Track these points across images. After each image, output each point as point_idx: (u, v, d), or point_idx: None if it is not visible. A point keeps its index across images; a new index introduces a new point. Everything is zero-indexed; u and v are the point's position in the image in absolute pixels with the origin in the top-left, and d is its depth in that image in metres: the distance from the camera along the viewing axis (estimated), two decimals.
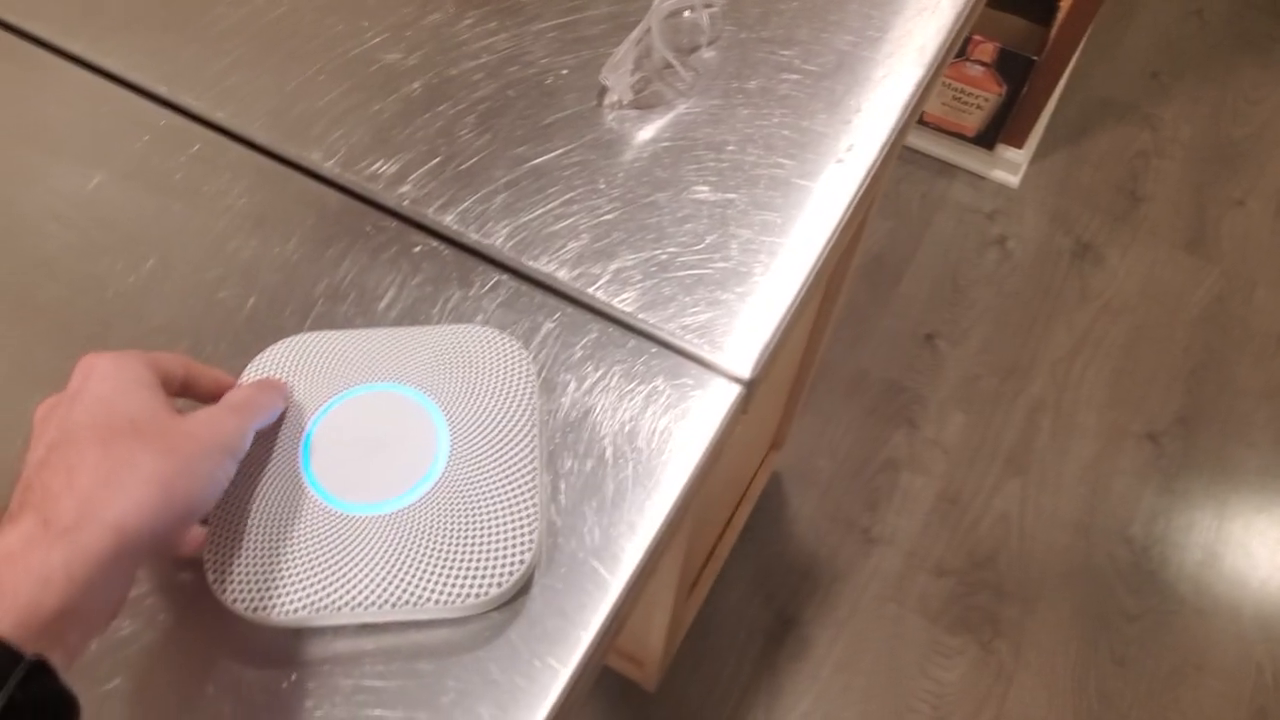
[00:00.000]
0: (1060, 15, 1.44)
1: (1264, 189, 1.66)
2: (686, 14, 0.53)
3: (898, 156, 1.34)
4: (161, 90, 0.51)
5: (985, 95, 1.52)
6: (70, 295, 0.45)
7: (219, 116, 0.50)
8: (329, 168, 0.48)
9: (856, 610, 1.21)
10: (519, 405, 0.37)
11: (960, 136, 1.61)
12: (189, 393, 0.36)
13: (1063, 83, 1.78)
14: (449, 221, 0.47)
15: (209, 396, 0.36)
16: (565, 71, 0.53)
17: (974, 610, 1.21)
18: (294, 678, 0.34)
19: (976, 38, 1.45)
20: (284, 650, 0.35)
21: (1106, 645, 1.19)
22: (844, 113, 0.51)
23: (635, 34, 0.52)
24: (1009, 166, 1.63)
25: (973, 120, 1.58)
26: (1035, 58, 1.44)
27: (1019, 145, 1.60)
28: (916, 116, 0.55)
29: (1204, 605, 1.22)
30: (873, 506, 1.29)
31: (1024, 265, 1.55)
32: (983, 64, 1.48)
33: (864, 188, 0.49)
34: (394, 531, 0.34)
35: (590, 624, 0.35)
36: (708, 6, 0.54)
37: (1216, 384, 1.42)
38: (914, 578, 1.23)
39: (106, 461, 0.29)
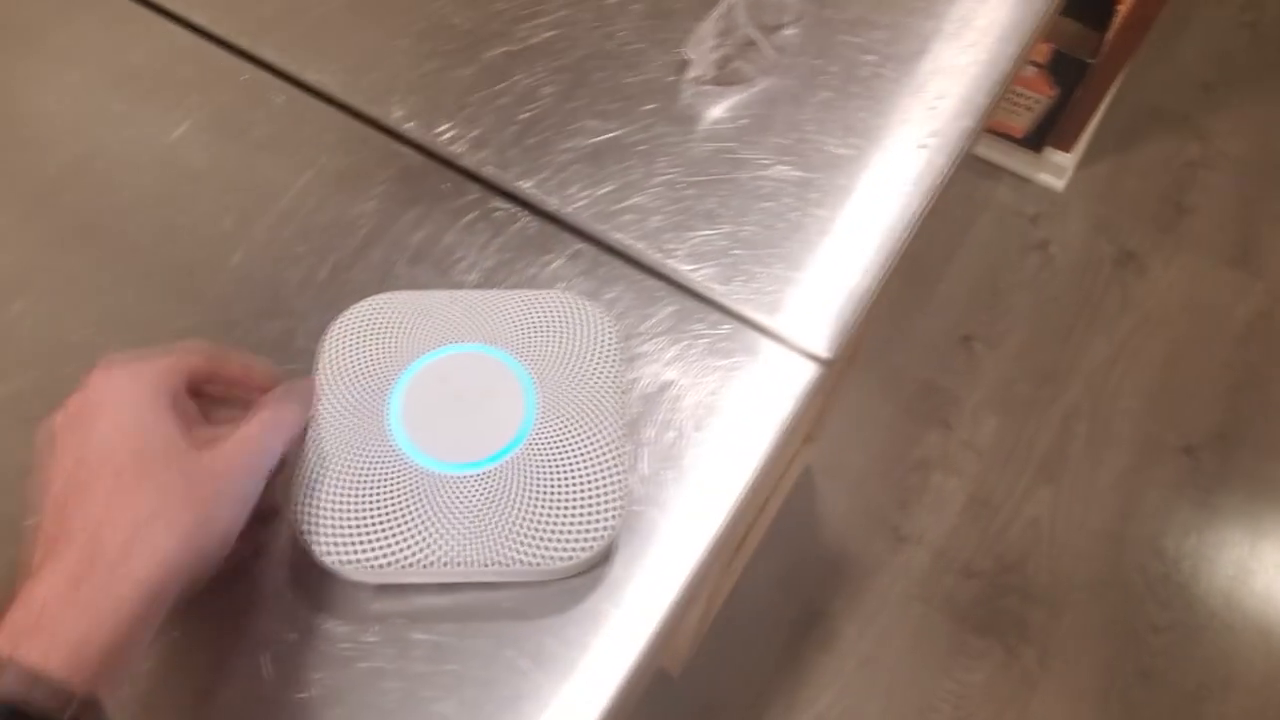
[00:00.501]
0: (1117, 20, 1.42)
1: None
2: None
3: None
4: (244, 44, 0.51)
5: (1036, 97, 1.51)
6: (154, 243, 0.45)
7: (302, 73, 0.50)
8: (410, 129, 0.48)
9: (883, 606, 1.20)
10: (605, 373, 0.37)
11: (1007, 138, 1.60)
12: (216, 382, 0.35)
13: (1114, 89, 1.75)
14: (529, 188, 0.47)
15: (237, 384, 0.35)
16: (646, 44, 0.52)
17: (1001, 613, 1.21)
18: (376, 629, 0.34)
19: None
20: (366, 604, 0.35)
21: (1133, 657, 1.18)
22: (927, 98, 0.51)
23: (720, 9, 0.51)
24: (1055, 170, 1.61)
25: (1021, 122, 1.56)
26: (1090, 61, 1.42)
27: (1067, 149, 1.59)
28: (995, 107, 0.55)
29: (1234, 621, 1.21)
30: (903, 505, 1.28)
31: (1065, 271, 1.53)
32: (1036, 65, 1.46)
33: (947, 175, 0.48)
34: (481, 492, 0.34)
35: (668, 593, 0.35)
36: None
37: (1256, 402, 1.40)
38: (942, 578, 1.23)
39: (128, 512, 0.28)
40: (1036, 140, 1.58)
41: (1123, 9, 1.39)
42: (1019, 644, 1.18)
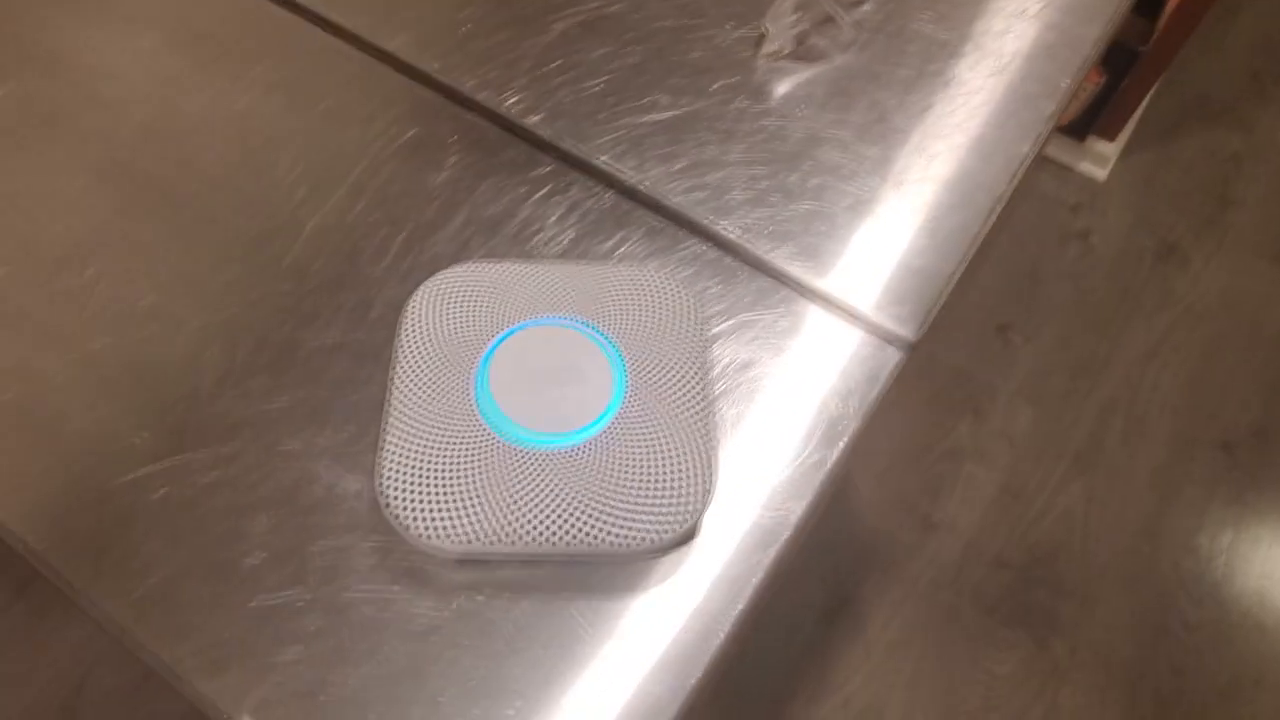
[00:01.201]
0: (1169, 8, 1.39)
1: None
2: None
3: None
4: (317, 9, 0.51)
5: (1084, 85, 1.48)
6: (227, 211, 0.45)
7: (374, 39, 0.50)
8: (484, 99, 0.48)
9: (911, 594, 1.20)
10: (691, 352, 0.37)
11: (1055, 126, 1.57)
12: None
13: (1161, 77, 1.72)
14: (604, 161, 0.46)
15: None
16: (722, 17, 0.51)
17: (1031, 606, 1.20)
18: (455, 605, 0.34)
19: None
20: (447, 575, 0.35)
21: (1165, 652, 1.18)
22: (1008, 78, 0.50)
23: None
24: (1098, 159, 1.59)
25: (1069, 109, 1.53)
26: (1141, 49, 1.40)
27: (1111, 138, 1.56)
28: (1076, 89, 0.53)
29: (1266, 620, 1.20)
30: (933, 493, 1.28)
31: (1105, 262, 1.51)
32: None
33: (1029, 159, 0.47)
34: (568, 468, 0.33)
35: (753, 574, 0.35)
36: None
37: None
38: (972, 568, 1.22)
39: None
40: (1082, 129, 1.56)
41: (1172, 3, 1.36)
42: (1049, 636, 1.18)
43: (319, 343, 0.39)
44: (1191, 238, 1.55)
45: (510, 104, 0.47)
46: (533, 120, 0.47)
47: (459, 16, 0.50)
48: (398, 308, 0.38)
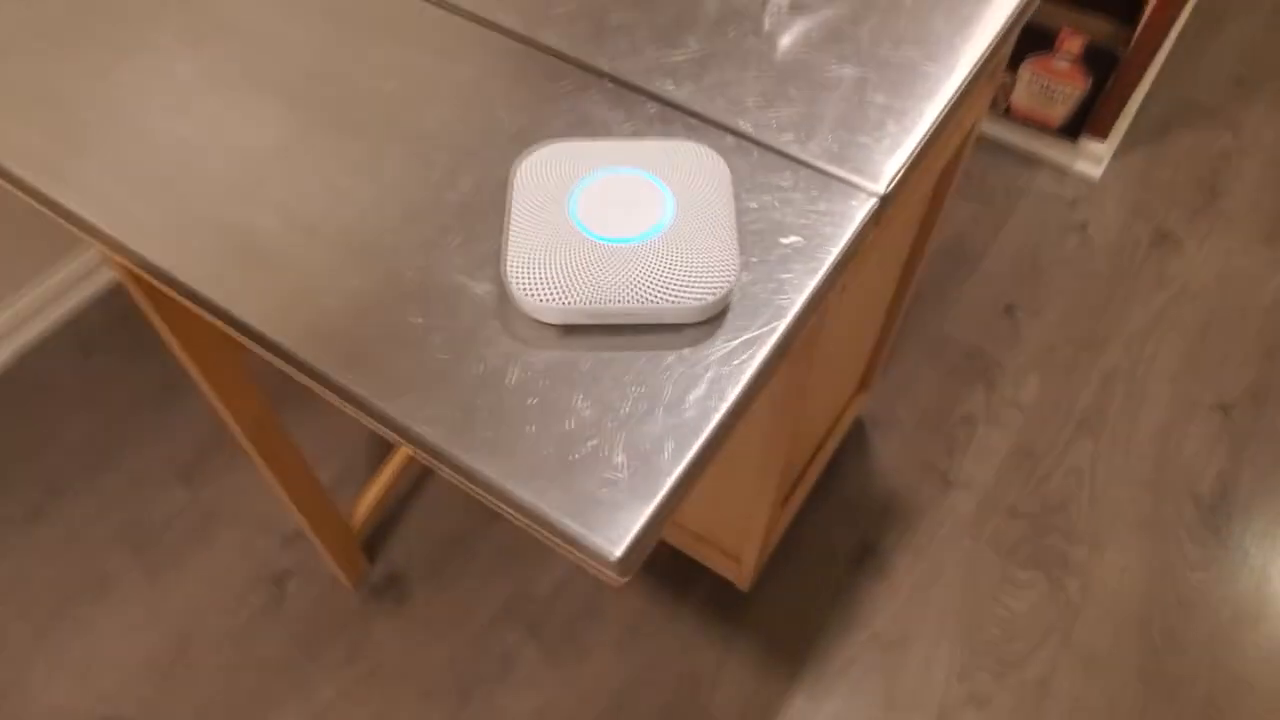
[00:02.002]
0: (1145, 14, 1.54)
1: None
2: None
3: (981, 141, 1.43)
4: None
5: (1071, 88, 1.63)
6: (382, 127, 0.60)
7: (482, 12, 0.66)
8: (571, 50, 0.63)
9: (933, 541, 1.31)
10: (721, 191, 0.51)
11: (1045, 128, 1.72)
12: None
13: (1148, 82, 1.87)
14: (654, 84, 0.61)
15: None
16: None
17: (1045, 549, 1.30)
18: (562, 354, 0.48)
19: (1065, 32, 1.56)
20: (557, 339, 0.49)
21: (1172, 588, 1.27)
22: (959, 22, 0.64)
23: None
24: (1092, 158, 1.73)
25: (1058, 112, 1.68)
26: (1120, 53, 1.54)
27: (1102, 137, 1.70)
28: (1020, 24, 0.68)
29: (1267, 562, 1.29)
30: (950, 453, 1.39)
31: (1103, 249, 1.64)
32: (1071, 58, 1.58)
33: (977, 69, 0.61)
34: (635, 257, 0.48)
35: (777, 327, 0.48)
36: None
37: None
38: (988, 518, 1.33)
39: None
40: (1073, 130, 1.70)
41: (1150, 4, 1.51)
42: (1063, 575, 1.28)
43: (458, 194, 0.54)
44: (1185, 225, 1.67)
45: (589, 50, 0.63)
46: (604, 63, 0.62)
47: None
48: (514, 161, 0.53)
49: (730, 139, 0.58)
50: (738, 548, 1.12)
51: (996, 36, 0.63)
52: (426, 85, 0.61)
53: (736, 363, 0.47)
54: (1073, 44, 1.57)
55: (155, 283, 0.54)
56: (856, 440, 1.40)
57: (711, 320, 0.49)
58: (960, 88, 0.61)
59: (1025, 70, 1.65)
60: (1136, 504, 1.34)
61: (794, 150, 0.57)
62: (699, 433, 0.45)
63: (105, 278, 1.54)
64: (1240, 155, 1.78)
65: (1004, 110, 1.74)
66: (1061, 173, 1.75)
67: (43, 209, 0.58)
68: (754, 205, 0.54)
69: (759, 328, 0.49)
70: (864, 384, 1.31)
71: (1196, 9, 2.05)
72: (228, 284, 0.52)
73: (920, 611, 1.25)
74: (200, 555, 1.28)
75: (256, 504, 1.32)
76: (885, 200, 0.55)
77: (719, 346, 0.48)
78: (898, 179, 0.56)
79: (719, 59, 0.62)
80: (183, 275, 0.52)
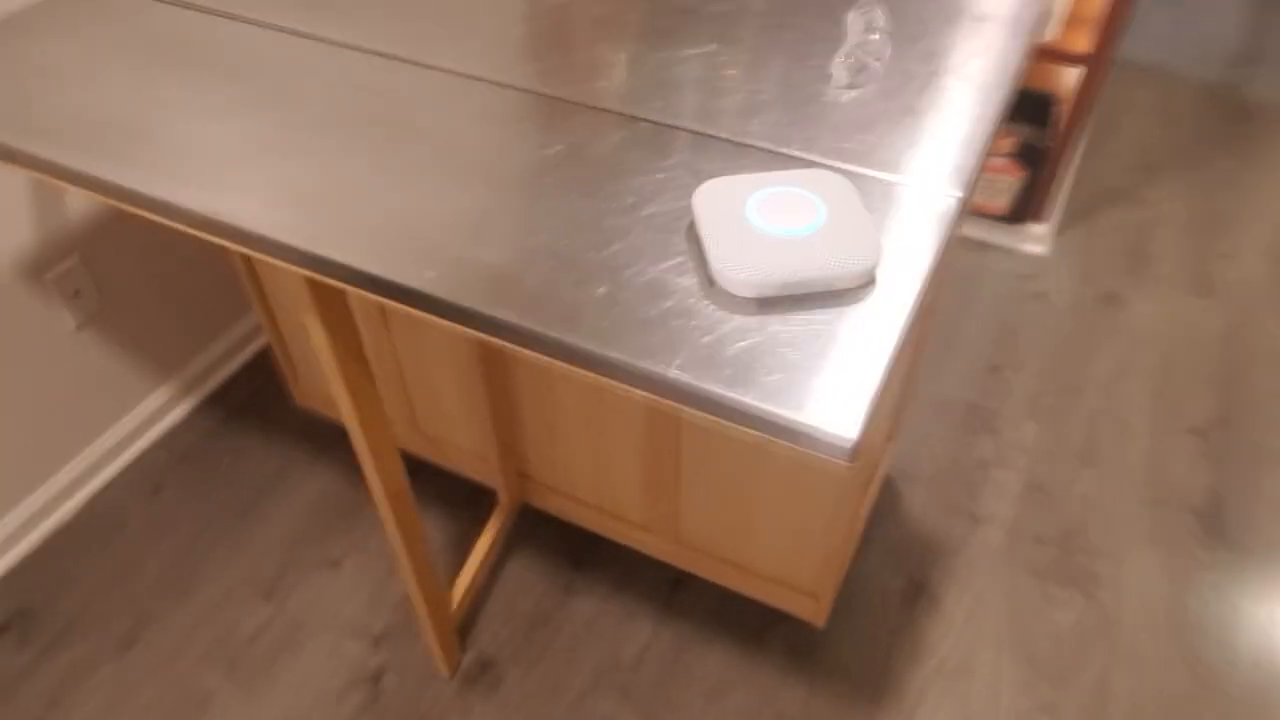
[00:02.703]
0: (1059, 118, 1.83)
1: (1250, 244, 2.00)
2: (873, 36, 0.88)
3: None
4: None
5: (1009, 180, 1.89)
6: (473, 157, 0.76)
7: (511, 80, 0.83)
8: (632, 109, 0.81)
9: (974, 573, 1.43)
10: (853, 199, 0.68)
11: (995, 217, 1.97)
12: None
13: (1072, 173, 2.17)
14: (747, 136, 0.79)
15: None
16: (813, 64, 0.86)
17: (1074, 568, 1.43)
18: (759, 319, 0.63)
19: (1000, 134, 1.84)
20: (747, 308, 0.63)
21: (1193, 588, 1.40)
22: (970, 66, 0.85)
23: (845, 48, 0.86)
24: (1037, 239, 1.98)
25: (1002, 202, 1.94)
26: (1045, 146, 1.82)
27: (1042, 220, 1.96)
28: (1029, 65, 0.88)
29: (1267, 552, 1.44)
30: (972, 495, 1.53)
31: (1063, 311, 1.86)
32: (1006, 154, 1.86)
33: (1003, 102, 0.81)
34: (808, 242, 0.63)
35: (911, 294, 0.64)
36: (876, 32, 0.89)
37: (1242, 391, 1.70)
38: (1018, 547, 1.46)
39: None
40: (1017, 215, 1.96)
41: (1063, 111, 1.80)
42: (1095, 589, 1.40)
43: (639, 215, 0.70)
44: (1126, 285, 1.92)
45: (657, 109, 0.80)
46: (681, 122, 0.80)
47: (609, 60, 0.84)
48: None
49: (821, 172, 0.75)
50: (816, 583, 1.23)
51: (1012, 71, 0.84)
52: (586, 155, 0.78)
53: (893, 306, 0.63)
54: (1006, 143, 1.85)
55: (398, 304, 0.67)
56: (886, 493, 1.54)
57: (865, 286, 0.65)
58: (995, 117, 0.80)
59: None
60: (1144, 521, 1.49)
61: (885, 175, 0.75)
62: (878, 359, 0.60)
63: (169, 421, 1.63)
64: (1157, 225, 2.06)
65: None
66: (1015, 253, 2.00)
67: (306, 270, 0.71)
68: (874, 216, 0.71)
69: (901, 285, 0.64)
70: (890, 434, 1.46)
71: (1098, 114, 2.40)
72: (513, 305, 0.65)
73: (976, 637, 1.35)
74: (293, 664, 1.32)
75: (342, 609, 1.38)
76: (963, 202, 0.73)
77: (876, 297, 0.64)
78: (968, 186, 0.73)
79: (805, 120, 0.81)
80: (449, 297, 0.66)
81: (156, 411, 1.60)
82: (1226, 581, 1.41)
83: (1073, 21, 1.78)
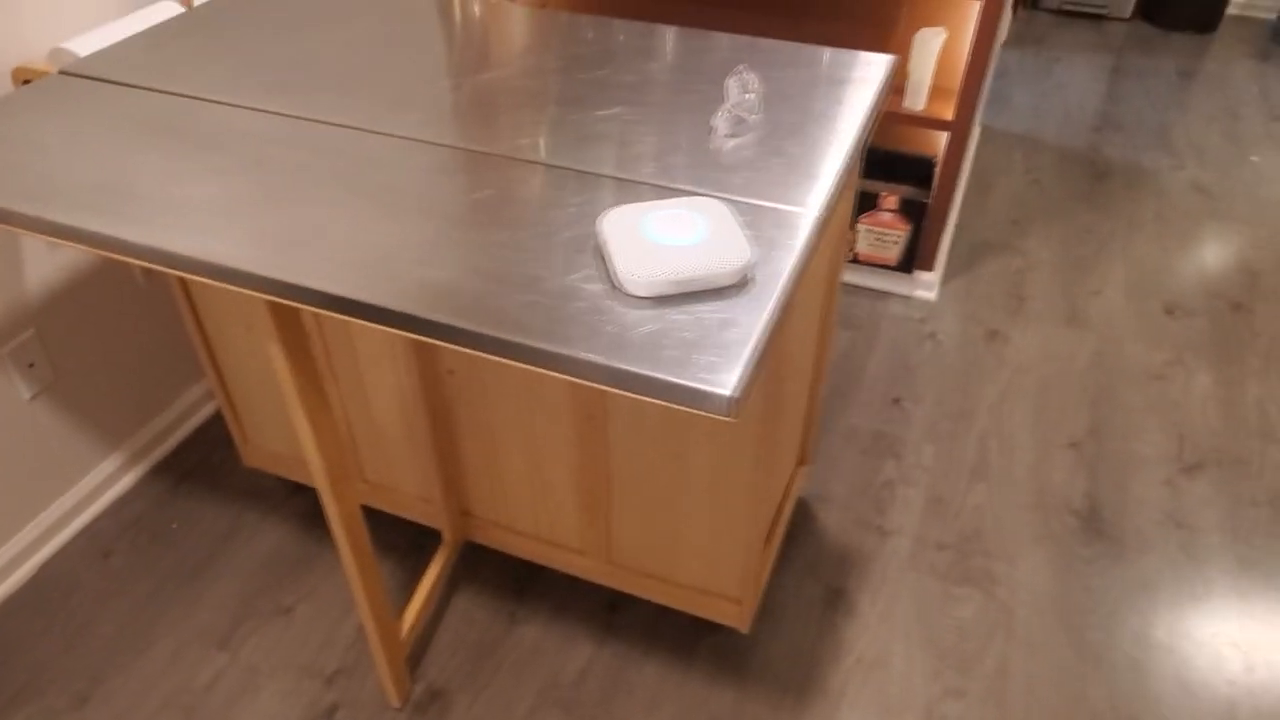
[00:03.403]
0: (936, 178, 2.07)
1: (1111, 283, 2.25)
2: (747, 96, 1.06)
3: (842, 285, 1.87)
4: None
5: (897, 233, 2.11)
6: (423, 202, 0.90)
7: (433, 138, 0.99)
8: (572, 164, 0.96)
9: (885, 578, 1.56)
10: (728, 217, 0.83)
11: (887, 268, 2.19)
12: None
13: (952, 228, 2.41)
14: (640, 176, 0.94)
15: None
16: (692, 118, 1.04)
17: (972, 569, 1.58)
18: (656, 312, 0.77)
19: (884, 194, 2.06)
20: (646, 304, 0.78)
21: (1077, 579, 1.56)
22: (835, 120, 1.03)
23: (725, 107, 1.04)
24: (926, 286, 2.20)
25: (893, 253, 2.16)
26: (926, 201, 2.05)
27: (930, 269, 2.18)
28: (866, 144, 1.07)
29: (1139, 544, 1.62)
30: (881, 511, 1.68)
31: (952, 349, 2.06)
32: (891, 210, 2.08)
33: (864, 127, 0.99)
34: (696, 248, 0.78)
35: (772, 294, 0.79)
36: (750, 93, 1.07)
37: (1110, 407, 1.90)
38: (923, 554, 1.61)
39: None
40: (907, 265, 2.17)
41: (938, 171, 2.03)
42: (991, 586, 1.55)
43: (555, 240, 0.84)
44: (1007, 323, 2.13)
45: (580, 161, 0.96)
46: (606, 170, 0.96)
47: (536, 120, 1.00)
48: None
49: (712, 197, 0.91)
50: (738, 589, 1.35)
51: (851, 150, 1.02)
52: (511, 196, 0.92)
53: (763, 296, 0.78)
54: (890, 200, 2.07)
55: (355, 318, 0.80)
56: (803, 514, 1.67)
57: (742, 283, 0.80)
58: (848, 153, 0.98)
59: (861, 225, 2.13)
60: (1031, 524, 1.66)
61: (752, 200, 0.91)
62: (750, 333, 0.74)
63: (118, 489, 1.69)
64: (1030, 270, 2.30)
65: (853, 258, 2.21)
66: (906, 299, 2.20)
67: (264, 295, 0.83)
68: (747, 231, 0.87)
69: (769, 283, 0.80)
70: (802, 458, 1.61)
71: (973, 175, 2.68)
72: (453, 311, 0.78)
73: (889, 634, 1.48)
74: (250, 707, 1.37)
75: (295, 653, 1.44)
76: (820, 220, 0.89)
77: (751, 291, 0.79)
78: (825, 203, 0.90)
79: (691, 162, 0.97)
80: (398, 307, 0.79)
81: (107, 479, 1.66)
82: (1105, 571, 1.57)
83: (938, 93, 2.03)
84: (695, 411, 0.72)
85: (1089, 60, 3.41)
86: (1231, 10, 3.77)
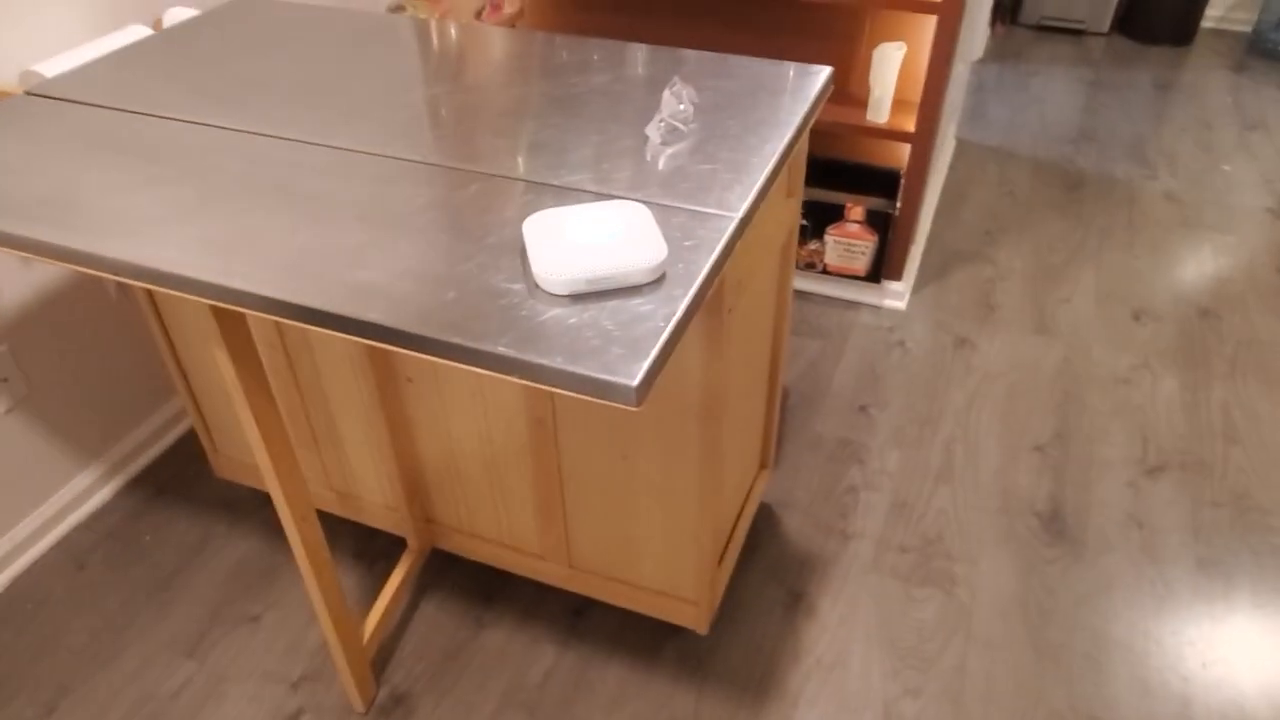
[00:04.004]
0: (902, 187, 2.10)
1: (1081, 291, 2.27)
2: (681, 107, 1.09)
3: (795, 296, 1.90)
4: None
5: (864, 243, 2.14)
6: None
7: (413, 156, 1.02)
8: (516, 172, 1.00)
9: (847, 582, 1.58)
10: (648, 219, 0.86)
11: (855, 278, 2.22)
12: None
13: (923, 239, 2.44)
14: (569, 181, 0.98)
15: None
16: (622, 126, 1.07)
17: (934, 570, 1.60)
18: (573, 309, 0.80)
19: (849, 204, 2.10)
20: (564, 302, 0.80)
21: (1038, 580, 1.58)
22: (753, 149, 1.06)
23: (659, 117, 1.07)
24: (896, 295, 2.22)
25: (861, 264, 2.19)
26: (892, 213, 2.08)
27: (898, 278, 2.21)
28: (803, 139, 1.10)
29: (1101, 545, 1.63)
30: (844, 515, 1.70)
31: (920, 356, 2.09)
32: (858, 222, 2.11)
33: (801, 127, 1.02)
34: (611, 247, 0.81)
35: (695, 278, 0.82)
36: (687, 107, 1.11)
37: (1076, 411, 1.92)
38: (885, 556, 1.62)
39: None
40: (875, 276, 2.20)
41: (903, 183, 2.07)
42: (952, 587, 1.57)
43: (484, 243, 0.87)
44: (975, 331, 2.16)
45: (515, 169, 0.99)
46: (558, 180, 0.99)
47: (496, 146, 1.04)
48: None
49: (640, 201, 0.95)
50: (695, 591, 1.37)
51: (779, 156, 1.05)
52: (446, 203, 0.96)
53: (676, 293, 0.81)
54: (856, 212, 2.10)
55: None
56: (767, 519, 1.69)
57: (657, 281, 0.83)
58: (776, 158, 1.01)
59: (828, 236, 2.17)
60: (994, 527, 1.68)
61: (678, 203, 0.94)
62: (662, 327, 0.77)
63: (94, 503, 1.72)
64: (1000, 280, 2.32)
65: (822, 269, 2.24)
66: (876, 308, 2.23)
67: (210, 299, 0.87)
68: (665, 230, 0.90)
69: (684, 281, 0.83)
70: (763, 463, 1.63)
71: (947, 187, 2.71)
72: (378, 310, 0.81)
73: (849, 635, 1.50)
74: (216, 713, 1.39)
75: (262, 660, 1.46)
76: (742, 221, 0.92)
77: (665, 289, 0.82)
78: (747, 207, 0.93)
79: (621, 163, 1.01)
80: (331, 309, 0.82)
81: (81, 494, 1.69)
82: (1066, 572, 1.59)
83: (900, 106, 2.07)
84: (602, 402, 0.74)
85: (1067, 74, 3.45)
86: (1207, 24, 3.81)
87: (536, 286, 0.83)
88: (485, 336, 0.77)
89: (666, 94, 1.11)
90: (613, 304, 0.81)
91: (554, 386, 0.75)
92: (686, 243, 0.88)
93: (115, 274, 0.89)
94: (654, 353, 0.75)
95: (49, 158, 1.05)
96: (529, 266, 0.84)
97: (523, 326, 0.78)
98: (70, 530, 1.68)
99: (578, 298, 0.81)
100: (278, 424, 1.07)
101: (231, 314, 0.97)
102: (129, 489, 1.77)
